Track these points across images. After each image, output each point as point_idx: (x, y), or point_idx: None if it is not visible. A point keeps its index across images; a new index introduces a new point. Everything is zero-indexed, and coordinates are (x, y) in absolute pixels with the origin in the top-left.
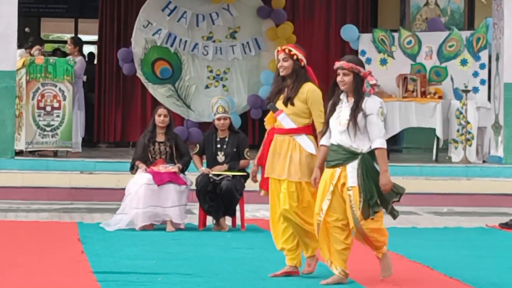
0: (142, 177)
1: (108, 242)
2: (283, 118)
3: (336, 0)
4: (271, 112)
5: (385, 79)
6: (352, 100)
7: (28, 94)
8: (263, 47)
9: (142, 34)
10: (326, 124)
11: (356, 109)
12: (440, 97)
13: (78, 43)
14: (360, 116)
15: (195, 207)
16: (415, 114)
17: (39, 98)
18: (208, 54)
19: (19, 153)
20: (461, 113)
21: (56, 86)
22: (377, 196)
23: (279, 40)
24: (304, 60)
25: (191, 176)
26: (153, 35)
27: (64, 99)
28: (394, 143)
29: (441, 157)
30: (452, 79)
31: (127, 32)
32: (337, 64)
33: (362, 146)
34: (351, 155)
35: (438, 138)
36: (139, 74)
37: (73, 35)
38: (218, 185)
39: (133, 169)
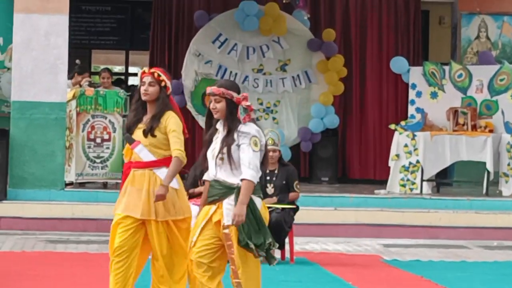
0: (191, 209)
1: None
2: (141, 150)
3: (388, 32)
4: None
5: (435, 113)
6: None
7: (78, 126)
8: (313, 79)
9: (192, 67)
10: (203, 157)
11: (228, 138)
12: (490, 131)
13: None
14: (233, 147)
15: None
16: (465, 148)
17: (89, 129)
18: (258, 86)
19: (69, 184)
20: None
21: (106, 118)
22: (254, 237)
23: (330, 72)
24: (170, 88)
25: None
26: (204, 67)
27: (114, 131)
28: (445, 176)
29: (492, 190)
30: (503, 112)
31: (178, 64)
32: (208, 90)
33: (238, 180)
34: (227, 190)
35: (488, 172)
36: (189, 106)
37: (123, 67)
38: None
39: None
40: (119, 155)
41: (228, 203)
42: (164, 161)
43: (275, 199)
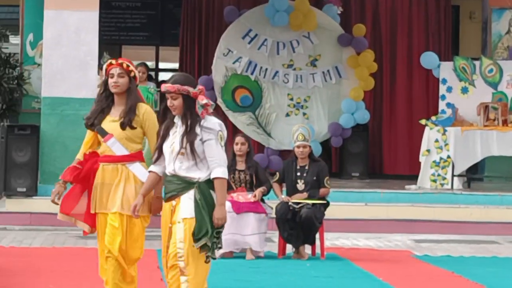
0: None
1: None
2: (113, 143)
3: (418, 27)
4: (90, 134)
5: (466, 108)
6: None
7: None
8: (343, 75)
9: (222, 62)
10: (159, 150)
11: (190, 134)
12: None
13: (149, 70)
14: (197, 142)
15: (275, 235)
16: (496, 143)
17: None
18: (288, 82)
19: None
20: None
21: None
22: (210, 232)
23: (360, 68)
24: (137, 76)
25: (271, 204)
26: (234, 63)
27: None
28: (475, 171)
29: None
30: None
31: (208, 60)
32: (163, 88)
33: (199, 174)
34: (186, 184)
35: None
36: (220, 102)
37: (153, 62)
38: (297, 213)
39: None
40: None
41: (187, 197)
42: (137, 155)
43: (305, 194)
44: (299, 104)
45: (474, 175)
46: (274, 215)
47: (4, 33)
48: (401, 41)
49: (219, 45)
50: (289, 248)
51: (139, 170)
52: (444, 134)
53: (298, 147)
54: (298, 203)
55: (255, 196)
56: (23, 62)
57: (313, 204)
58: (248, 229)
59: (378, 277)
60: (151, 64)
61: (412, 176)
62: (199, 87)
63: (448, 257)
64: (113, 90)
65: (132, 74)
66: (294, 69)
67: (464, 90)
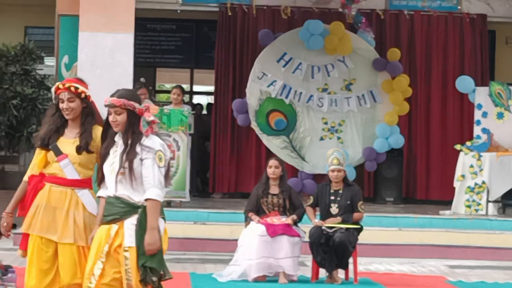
0: (256, 228)
1: None
2: (66, 165)
3: (454, 52)
4: (40, 155)
5: (501, 133)
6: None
7: None
8: (378, 99)
9: (256, 86)
10: (101, 171)
11: (130, 152)
12: None
13: (184, 92)
14: (136, 161)
15: (308, 259)
16: None
17: None
18: (323, 106)
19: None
20: None
21: (170, 136)
22: (151, 261)
23: (395, 92)
24: (89, 94)
25: (305, 228)
26: (268, 86)
27: (178, 149)
28: (511, 197)
29: None
30: None
31: (242, 83)
32: (107, 101)
33: (140, 197)
34: (130, 208)
35: None
36: (254, 125)
37: (188, 85)
38: (331, 238)
39: (246, 220)
40: (183, 173)
41: (130, 223)
42: (88, 182)
43: (339, 219)
44: (334, 128)
45: (509, 200)
46: (307, 239)
47: (39, 54)
48: (436, 66)
49: (254, 68)
50: (323, 272)
51: (88, 199)
52: (479, 159)
53: (333, 171)
54: (331, 227)
55: (289, 221)
56: None
57: (347, 228)
58: (281, 253)
59: None
60: (186, 86)
61: (446, 202)
62: (145, 104)
63: (482, 283)
64: (67, 117)
65: (83, 95)
66: (329, 93)
67: (500, 116)
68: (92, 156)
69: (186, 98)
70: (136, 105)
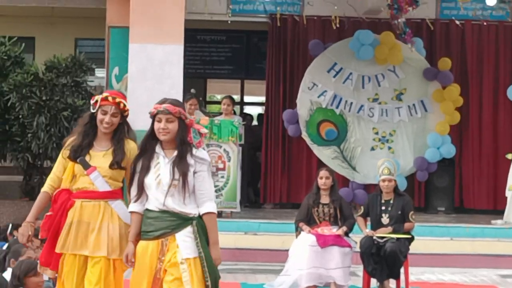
0: (306, 238)
1: None
2: (96, 177)
3: (505, 61)
4: (69, 165)
5: None
6: (173, 153)
7: None
8: (429, 109)
9: (307, 96)
10: (140, 186)
11: (183, 164)
12: None
13: (234, 103)
14: (190, 174)
15: (359, 269)
16: None
17: None
18: (373, 116)
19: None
20: None
21: (221, 147)
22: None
23: (446, 102)
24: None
25: (356, 238)
26: (319, 96)
27: (229, 160)
28: None
29: None
30: None
31: (293, 94)
32: (160, 107)
33: (193, 210)
34: (182, 221)
35: None
36: (304, 135)
37: (239, 96)
38: (382, 248)
39: (297, 230)
40: (234, 184)
41: (185, 235)
42: (119, 192)
43: (390, 228)
44: (385, 138)
45: None
46: (358, 249)
47: (89, 66)
48: (487, 75)
49: (304, 78)
50: (374, 282)
51: (122, 209)
52: None
53: (384, 181)
54: (382, 237)
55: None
56: None
57: (398, 238)
58: (332, 263)
59: None
60: (236, 97)
61: (498, 211)
62: (194, 116)
63: None
64: (104, 130)
65: (126, 113)
66: (380, 103)
67: None
68: (123, 171)
69: (237, 108)
70: (187, 115)
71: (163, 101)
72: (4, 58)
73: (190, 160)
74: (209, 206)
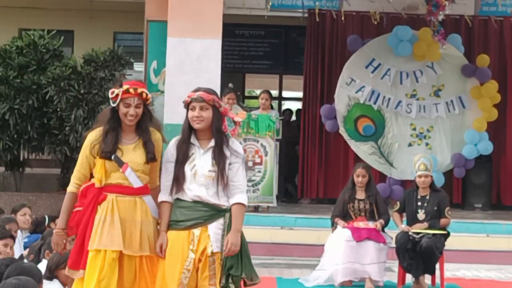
0: (342, 233)
1: None
2: (130, 174)
3: None
4: (103, 164)
5: None
6: (208, 144)
7: None
8: (467, 105)
9: (345, 91)
10: (177, 176)
11: (221, 155)
12: None
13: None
14: (226, 166)
15: (395, 265)
16: None
17: None
18: (411, 112)
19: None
20: None
21: (258, 141)
22: (242, 267)
23: (484, 98)
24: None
25: (391, 233)
26: (356, 92)
27: (266, 155)
28: None
29: None
30: None
31: (331, 89)
32: (194, 95)
33: (226, 202)
34: (215, 212)
35: None
36: (342, 131)
37: (277, 91)
38: (418, 243)
39: (332, 225)
40: (270, 178)
41: (217, 227)
42: (148, 188)
43: (426, 224)
44: (422, 134)
45: None
46: (394, 245)
47: (128, 60)
48: None
49: (342, 74)
50: (409, 278)
51: (152, 204)
52: None
53: (420, 176)
54: (418, 233)
55: (376, 225)
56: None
57: (434, 234)
58: (367, 258)
59: None
60: (274, 92)
61: None
62: (225, 105)
63: None
64: (129, 123)
65: (149, 102)
66: (417, 99)
67: None
68: (156, 163)
69: (275, 104)
70: (222, 103)
71: (197, 89)
72: (43, 51)
73: (226, 152)
74: (241, 197)
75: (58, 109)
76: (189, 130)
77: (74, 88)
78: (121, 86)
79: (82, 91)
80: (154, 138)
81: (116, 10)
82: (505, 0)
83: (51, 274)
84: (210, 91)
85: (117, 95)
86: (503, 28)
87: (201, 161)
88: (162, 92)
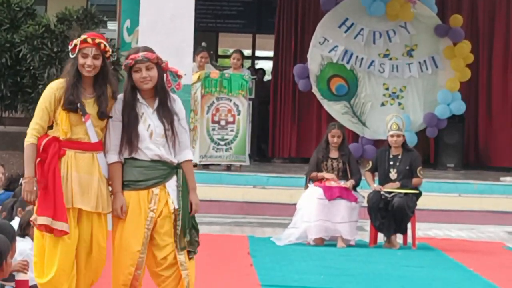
0: (314, 191)
1: (278, 256)
2: (90, 126)
3: None
4: (67, 117)
5: None
6: (155, 102)
7: (203, 108)
8: (440, 65)
9: (318, 51)
10: (131, 137)
11: (169, 112)
12: None
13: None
14: (176, 122)
15: (367, 224)
16: None
17: (214, 112)
18: (384, 71)
19: (193, 166)
20: None
21: (231, 100)
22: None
23: (457, 59)
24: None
25: (363, 192)
26: (329, 51)
27: (239, 114)
28: None
29: None
30: None
31: (303, 48)
32: (137, 57)
33: (174, 158)
34: (171, 170)
35: None
36: (315, 90)
37: (250, 50)
38: (389, 202)
39: (305, 184)
40: (243, 138)
41: (174, 184)
42: (102, 144)
43: (398, 184)
44: (395, 94)
45: None
46: (366, 204)
47: (101, 18)
48: (499, 32)
49: (315, 33)
50: (381, 237)
51: (103, 162)
52: None
53: (392, 136)
54: (390, 192)
55: (347, 185)
56: (120, 48)
57: (405, 193)
58: (339, 217)
59: (469, 268)
60: (247, 52)
61: (508, 168)
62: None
63: None
64: (86, 74)
65: (108, 54)
66: (390, 59)
67: None
68: (107, 121)
69: (248, 63)
70: (162, 59)
71: (137, 50)
72: (16, 10)
73: (172, 108)
74: (189, 153)
75: (31, 68)
76: (132, 91)
77: (47, 46)
78: (79, 36)
79: (55, 50)
80: (108, 94)
81: None
82: None
83: (23, 231)
84: (151, 50)
85: (75, 45)
86: None
87: (153, 120)
88: None
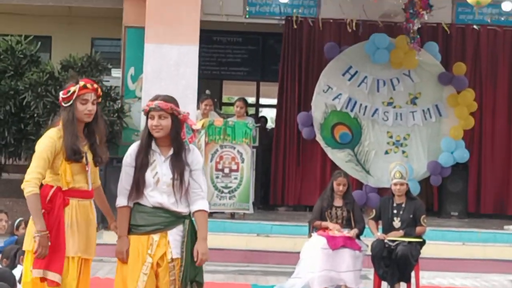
0: (317, 241)
1: None
2: (88, 174)
3: None
4: (69, 167)
5: None
6: (169, 151)
7: (206, 156)
8: (443, 113)
9: (322, 99)
10: (138, 183)
11: (180, 162)
12: None
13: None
14: (187, 173)
15: (370, 273)
16: None
17: (218, 160)
18: (388, 119)
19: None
20: None
21: (234, 148)
22: (199, 274)
23: (460, 106)
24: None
25: (367, 241)
26: (333, 99)
27: (242, 162)
28: None
29: None
30: None
31: (307, 96)
32: (152, 104)
33: (185, 208)
34: (175, 218)
35: None
36: (319, 138)
37: (254, 98)
38: (393, 251)
39: (309, 232)
40: (247, 185)
41: (177, 234)
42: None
43: (401, 232)
44: (399, 142)
45: None
46: (369, 252)
47: (106, 66)
48: (501, 80)
49: (319, 81)
50: (384, 286)
51: (93, 205)
52: None
53: (395, 184)
54: (394, 241)
55: (350, 234)
56: (124, 96)
57: (409, 242)
58: (343, 266)
59: None
60: (251, 100)
61: (511, 217)
62: (186, 111)
63: None
64: (86, 119)
65: (99, 100)
66: (394, 106)
67: None
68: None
69: (252, 110)
70: (180, 111)
71: (156, 97)
72: (20, 57)
73: (186, 159)
74: (202, 204)
75: (35, 115)
76: (148, 137)
77: (51, 93)
78: (77, 83)
79: (59, 97)
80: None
81: (94, 16)
82: (481, 9)
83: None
84: (168, 99)
85: (73, 92)
86: (480, 36)
87: (162, 168)
88: (139, 98)
